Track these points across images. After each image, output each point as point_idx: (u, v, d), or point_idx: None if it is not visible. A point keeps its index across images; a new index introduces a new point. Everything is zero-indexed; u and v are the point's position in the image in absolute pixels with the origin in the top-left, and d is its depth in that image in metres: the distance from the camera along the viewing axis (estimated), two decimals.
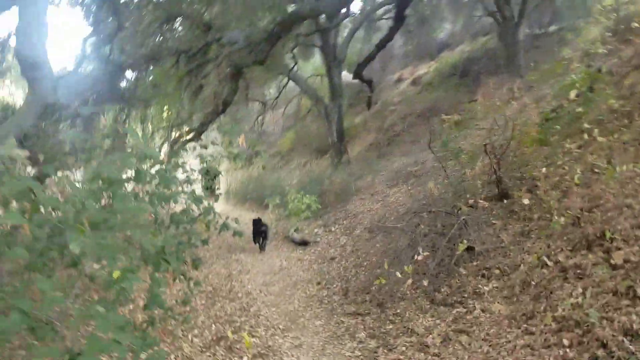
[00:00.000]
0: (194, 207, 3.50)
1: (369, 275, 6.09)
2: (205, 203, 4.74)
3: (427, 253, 5.25)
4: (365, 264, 6.72)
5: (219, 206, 14.03)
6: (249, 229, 9.35)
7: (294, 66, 15.20)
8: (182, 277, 4.05)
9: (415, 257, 5.24)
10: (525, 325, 4.26)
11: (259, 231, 8.83)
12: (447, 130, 8.82)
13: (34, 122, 5.35)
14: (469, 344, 4.19)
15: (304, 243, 8.77)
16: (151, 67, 10.18)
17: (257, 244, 8.91)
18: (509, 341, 4.13)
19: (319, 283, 6.45)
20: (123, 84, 10.57)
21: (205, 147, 3.73)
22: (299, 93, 17.15)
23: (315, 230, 9.52)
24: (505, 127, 6.90)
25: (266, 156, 16.57)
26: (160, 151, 9.62)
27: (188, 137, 9.76)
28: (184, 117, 10.42)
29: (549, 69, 9.75)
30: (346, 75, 19.51)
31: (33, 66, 5.20)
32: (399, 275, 5.09)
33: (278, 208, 10.51)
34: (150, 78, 10.67)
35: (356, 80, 20.93)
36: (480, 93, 12.79)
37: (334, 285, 6.26)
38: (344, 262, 7.26)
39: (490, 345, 4.14)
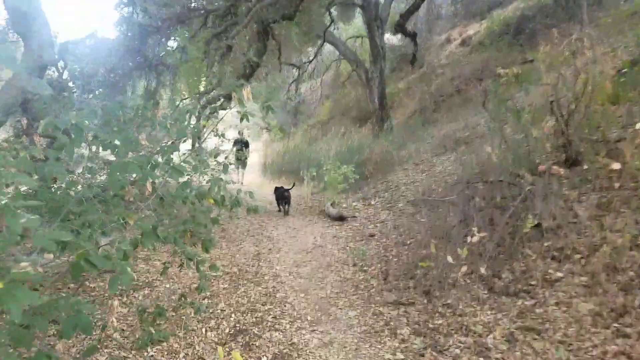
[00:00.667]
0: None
1: (412, 256, 5.20)
2: (223, 176, 4.03)
3: (484, 233, 4.27)
4: (408, 242, 5.82)
5: (254, 179, 13.45)
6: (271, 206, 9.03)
7: (330, 25, 14.07)
8: (189, 260, 3.37)
9: (469, 237, 4.27)
10: (616, 325, 3.29)
11: (282, 196, 9.18)
12: (504, 88, 7.61)
13: (33, 85, 4.70)
14: (542, 349, 3.27)
15: (340, 218, 7.94)
16: (178, 29, 9.46)
17: (281, 210, 9.34)
18: (595, 345, 3.18)
19: (355, 264, 5.61)
20: (148, 50, 9.93)
21: (245, 117, 3.00)
22: (337, 57, 16.04)
23: (354, 203, 8.66)
24: (574, 82, 5.68)
25: (276, 130, 15.73)
26: (189, 120, 8.97)
27: (216, 105, 9.06)
28: (213, 83, 9.71)
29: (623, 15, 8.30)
30: (389, 39, 18.24)
31: (25, 17, 4.52)
32: (450, 259, 4.15)
33: (314, 180, 9.69)
34: (177, 42, 9.97)
35: (399, 43, 19.79)
36: (539, 49, 11.32)
37: (372, 268, 5.41)
38: (384, 240, 6.39)
39: (570, 351, 3.21)
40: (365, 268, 5.41)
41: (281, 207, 9.28)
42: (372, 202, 8.46)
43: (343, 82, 15.64)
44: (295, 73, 13.36)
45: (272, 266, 5.71)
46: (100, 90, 9.53)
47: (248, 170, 12.95)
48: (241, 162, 12.01)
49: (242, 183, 12.37)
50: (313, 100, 18.91)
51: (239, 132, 11.89)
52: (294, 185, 9.81)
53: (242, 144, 12.68)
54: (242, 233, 7.23)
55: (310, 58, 14.24)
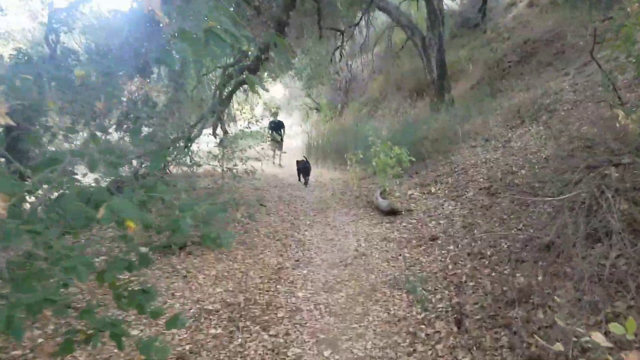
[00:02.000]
0: None
1: (500, 282, 3.22)
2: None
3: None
4: (489, 254, 3.83)
5: (290, 165, 11.76)
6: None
7: None
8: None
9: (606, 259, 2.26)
10: None
11: (304, 168, 9.30)
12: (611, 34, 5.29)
13: None
14: None
15: (392, 212, 6.01)
16: None
17: (302, 181, 9.42)
18: None
19: (410, 291, 3.69)
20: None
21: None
22: (389, 25, 13.79)
23: (409, 192, 6.70)
24: None
25: (326, 110, 13.99)
26: (215, 95, 7.38)
27: (240, 77, 7.38)
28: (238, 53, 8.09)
29: None
30: (446, 3, 15.74)
31: None
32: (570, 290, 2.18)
33: (359, 164, 7.78)
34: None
35: (458, 7, 17.20)
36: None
37: (438, 298, 3.47)
38: (451, 246, 4.43)
39: None
40: (426, 298, 3.49)
41: (301, 177, 9.45)
42: (433, 190, 6.45)
43: (396, 52, 13.40)
44: (339, 42, 11.39)
45: (293, 291, 3.93)
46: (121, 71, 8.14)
47: (291, 153, 11.30)
48: (277, 143, 10.98)
49: (280, 165, 10.88)
50: (364, 77, 16.78)
51: (272, 114, 10.47)
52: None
53: (277, 125, 11.53)
54: (268, 235, 5.49)
55: (358, 31, 12.11)
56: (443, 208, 5.65)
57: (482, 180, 6.10)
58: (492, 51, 14.22)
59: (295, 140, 14.52)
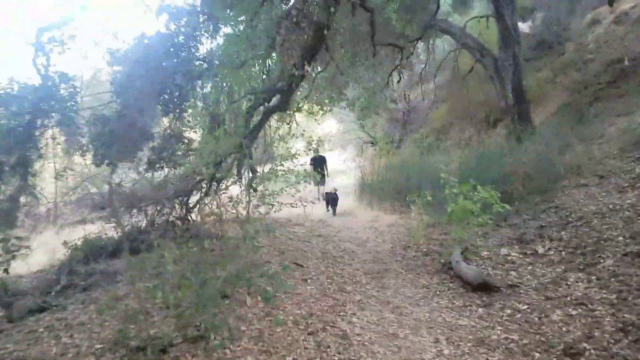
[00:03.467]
0: None
1: None
2: None
3: None
4: None
5: (347, 205, 9.76)
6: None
7: (436, 11, 10.07)
8: None
9: None
10: None
11: (332, 199, 9.41)
12: None
13: None
14: None
15: (485, 287, 3.83)
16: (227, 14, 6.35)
17: (329, 210, 9.49)
18: None
19: None
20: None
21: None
22: (453, 48, 11.75)
23: (503, 251, 4.50)
24: None
25: (383, 143, 12.25)
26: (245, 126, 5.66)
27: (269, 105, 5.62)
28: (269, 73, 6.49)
29: None
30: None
31: None
32: None
33: (426, 208, 5.68)
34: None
35: (529, 30, 14.97)
36: None
37: None
38: None
39: None
40: None
41: (329, 207, 9.51)
42: (540, 250, 4.23)
43: (463, 77, 11.28)
44: (397, 62, 9.45)
45: None
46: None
47: (340, 194, 9.40)
48: (321, 179, 9.65)
49: (333, 212, 9.11)
50: (424, 108, 14.67)
51: (313, 150, 8.98)
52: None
53: (319, 161, 10.34)
54: (298, 323, 3.44)
55: (416, 40, 10.04)
56: (568, 285, 3.43)
57: (621, 239, 3.83)
58: (575, 74, 11.82)
59: (347, 177, 12.59)
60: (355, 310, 3.63)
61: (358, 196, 9.56)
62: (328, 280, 4.37)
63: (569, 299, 3.17)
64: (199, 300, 2.80)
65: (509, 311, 3.28)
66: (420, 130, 14.33)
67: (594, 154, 6.60)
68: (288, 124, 7.74)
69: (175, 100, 7.56)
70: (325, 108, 10.58)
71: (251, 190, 4.88)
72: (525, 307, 3.28)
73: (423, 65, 12.80)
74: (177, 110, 7.56)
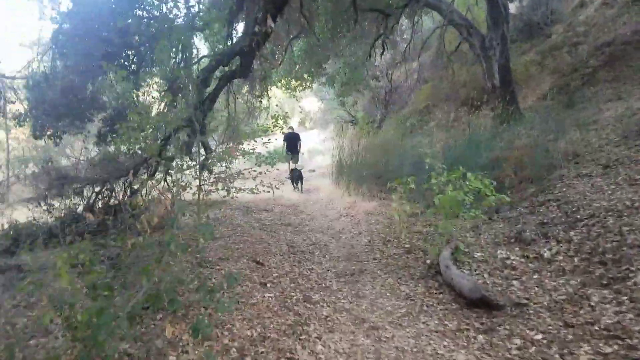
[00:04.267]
0: None
1: None
2: None
3: None
4: None
5: (323, 187, 8.92)
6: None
7: None
8: None
9: None
10: None
11: (296, 176, 9.36)
12: None
13: None
14: None
15: (481, 303, 3.00)
16: None
17: (295, 187, 9.37)
18: None
19: None
20: None
21: None
22: (440, 24, 10.83)
23: (500, 253, 3.72)
24: None
25: (364, 123, 11.67)
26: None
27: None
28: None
29: None
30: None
31: None
32: None
33: (408, 195, 4.80)
34: None
35: (517, 10, 14.17)
36: None
37: None
38: None
39: None
40: None
41: (295, 185, 9.44)
42: (545, 254, 3.45)
43: (448, 57, 10.40)
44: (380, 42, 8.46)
45: None
46: None
47: (317, 176, 8.51)
48: (293, 157, 9.73)
49: (301, 190, 8.55)
50: (407, 88, 13.76)
51: (288, 127, 8.27)
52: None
53: (292, 138, 9.96)
54: (245, 354, 2.54)
55: (402, 8, 9.00)
56: (591, 306, 2.64)
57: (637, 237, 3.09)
58: (563, 57, 11.13)
59: (326, 157, 11.70)
60: (322, 331, 2.77)
61: (335, 179, 8.66)
62: (291, 286, 3.51)
63: (596, 327, 2.39)
64: (94, 333, 1.91)
65: (518, 341, 2.48)
66: (403, 111, 13.45)
67: (590, 140, 5.89)
68: (258, 97, 6.74)
69: (131, 64, 6.51)
70: (304, 84, 9.62)
71: (204, 172, 3.94)
72: (540, 336, 2.48)
73: (406, 45, 11.87)
74: (133, 77, 6.48)
